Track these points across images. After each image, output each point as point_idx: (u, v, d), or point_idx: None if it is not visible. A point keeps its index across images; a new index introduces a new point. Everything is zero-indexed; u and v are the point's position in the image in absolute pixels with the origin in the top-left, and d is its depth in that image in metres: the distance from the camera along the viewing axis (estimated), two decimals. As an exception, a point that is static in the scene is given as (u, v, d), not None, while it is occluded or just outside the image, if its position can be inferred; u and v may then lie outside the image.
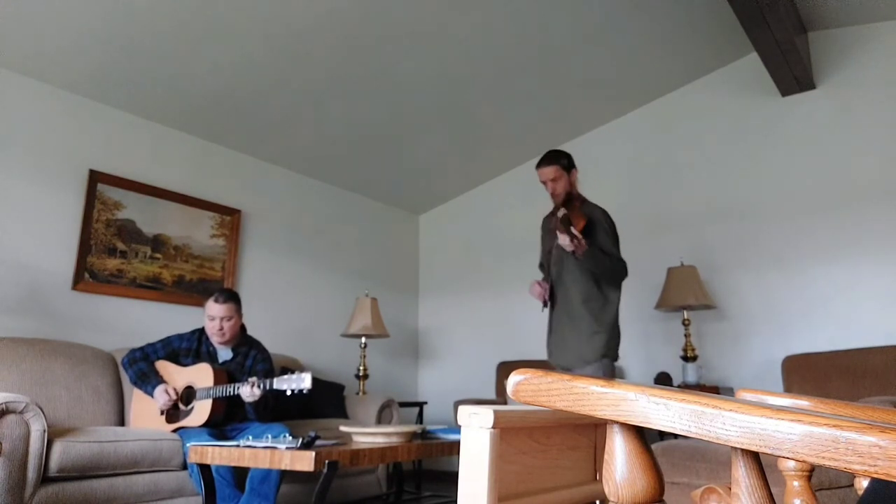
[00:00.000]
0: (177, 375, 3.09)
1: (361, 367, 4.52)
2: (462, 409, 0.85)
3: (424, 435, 2.82)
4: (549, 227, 3.13)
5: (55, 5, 2.95)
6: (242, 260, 4.33)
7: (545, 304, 3.04)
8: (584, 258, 2.80)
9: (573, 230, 2.73)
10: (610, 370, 2.87)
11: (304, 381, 2.70)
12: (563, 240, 2.74)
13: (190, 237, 4.02)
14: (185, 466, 2.82)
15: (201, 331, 3.22)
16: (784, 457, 0.51)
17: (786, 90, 4.09)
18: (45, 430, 2.39)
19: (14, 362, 2.88)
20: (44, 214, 3.39)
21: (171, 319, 3.82)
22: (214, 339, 3.16)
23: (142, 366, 3.07)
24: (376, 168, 4.97)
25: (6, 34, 3.08)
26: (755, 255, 4.12)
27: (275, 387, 2.78)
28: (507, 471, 0.89)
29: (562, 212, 2.89)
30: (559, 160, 3.01)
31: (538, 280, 3.06)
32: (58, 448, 2.43)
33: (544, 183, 3.04)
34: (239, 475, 2.81)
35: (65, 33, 3.13)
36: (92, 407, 3.04)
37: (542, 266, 3.31)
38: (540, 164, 3.04)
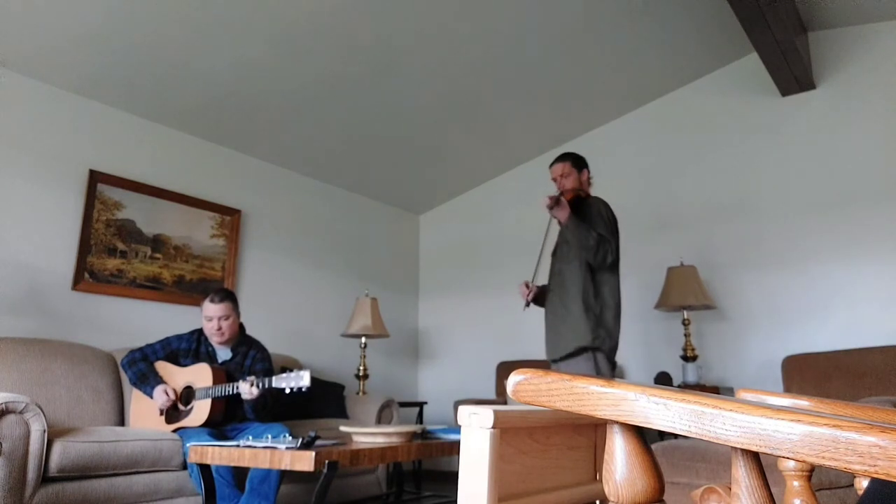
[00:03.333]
0: (176, 376, 3.09)
1: (361, 367, 4.52)
2: (462, 409, 0.85)
3: (424, 435, 2.82)
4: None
5: (55, 5, 2.95)
6: (242, 260, 4.33)
7: (526, 305, 3.09)
8: (568, 227, 2.86)
9: (560, 195, 2.87)
10: (595, 364, 2.81)
11: (302, 379, 2.70)
12: (546, 201, 2.85)
13: (190, 237, 4.02)
14: (185, 466, 2.82)
15: (200, 331, 3.22)
16: (784, 457, 0.51)
17: (786, 90, 4.09)
18: (45, 430, 2.39)
19: (14, 362, 2.88)
20: (44, 214, 3.39)
21: (171, 319, 3.82)
22: (214, 340, 3.16)
23: (141, 367, 3.07)
24: (376, 168, 4.97)
25: (6, 34, 3.08)
26: (755, 255, 4.12)
27: (273, 385, 2.78)
28: (507, 471, 0.89)
29: (558, 194, 2.98)
30: (569, 158, 3.11)
31: (526, 281, 3.10)
32: (58, 448, 2.43)
33: (555, 180, 3.10)
34: (239, 475, 2.81)
35: (65, 33, 3.13)
36: (92, 407, 3.04)
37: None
38: (553, 163, 3.15)
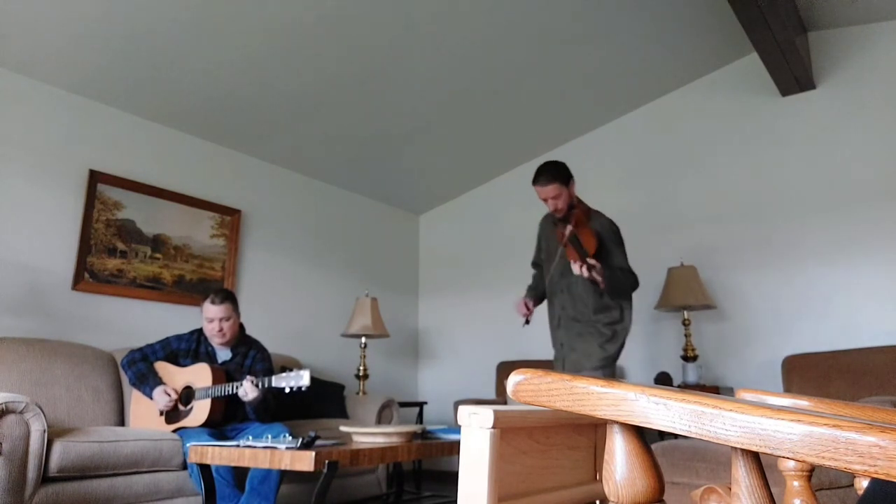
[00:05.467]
0: (176, 376, 3.09)
1: (361, 367, 4.52)
2: (462, 409, 0.85)
3: (424, 435, 2.82)
4: (552, 231, 3.09)
5: (55, 5, 2.95)
6: (242, 260, 4.33)
7: (527, 322, 3.06)
8: (605, 284, 2.80)
9: (589, 260, 2.69)
10: (611, 374, 2.90)
11: (302, 379, 2.70)
12: (579, 270, 2.68)
13: (190, 237, 4.02)
14: (185, 466, 2.82)
15: (200, 331, 3.22)
16: (784, 457, 0.51)
17: (786, 90, 4.09)
18: (45, 430, 2.39)
19: (14, 362, 2.88)
20: (44, 214, 3.38)
21: (172, 319, 3.82)
22: (215, 341, 3.15)
23: (141, 367, 3.07)
24: (376, 168, 4.97)
25: (6, 34, 3.08)
26: (755, 255, 4.12)
27: (273, 384, 2.78)
28: (507, 471, 0.89)
29: (569, 230, 2.80)
30: (558, 177, 2.87)
31: (525, 299, 3.09)
32: (58, 448, 2.43)
33: (544, 200, 2.91)
34: (239, 475, 2.81)
35: (65, 33, 3.13)
36: (92, 407, 3.04)
37: (535, 265, 3.31)
38: (537, 181, 2.89)
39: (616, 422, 0.64)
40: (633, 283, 2.93)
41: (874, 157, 3.82)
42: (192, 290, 3.96)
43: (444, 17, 3.50)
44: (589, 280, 2.76)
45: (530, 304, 3.07)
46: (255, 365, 3.20)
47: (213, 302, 3.10)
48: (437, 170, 5.20)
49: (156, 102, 3.76)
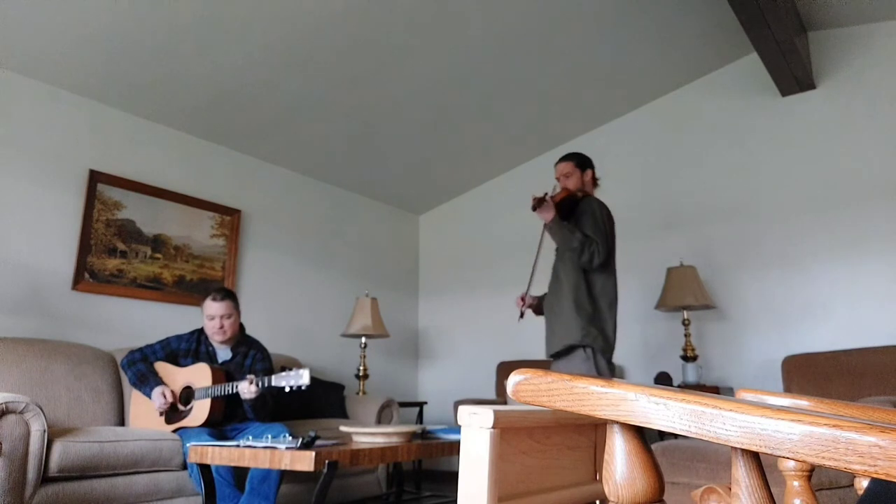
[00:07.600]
0: (175, 376, 3.09)
1: (361, 367, 4.52)
2: (462, 409, 0.85)
3: (424, 435, 2.82)
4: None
5: (56, 6, 2.95)
6: (242, 260, 4.33)
7: (521, 316, 3.10)
8: (551, 227, 2.87)
9: (545, 196, 2.88)
10: (595, 363, 2.80)
11: (302, 378, 2.70)
12: (533, 203, 2.87)
13: (190, 237, 4.02)
14: (185, 466, 2.82)
15: (200, 331, 3.22)
16: (784, 457, 0.51)
17: (786, 90, 4.09)
18: (45, 430, 2.39)
19: (14, 362, 2.88)
20: (44, 214, 3.38)
21: (172, 319, 3.82)
22: (216, 339, 3.16)
23: (140, 367, 3.07)
24: (376, 168, 4.97)
25: (7, 34, 3.08)
26: (755, 255, 4.12)
27: (273, 384, 2.78)
28: (507, 471, 0.89)
29: (553, 194, 3.01)
30: (574, 157, 3.15)
31: (522, 294, 3.13)
32: (58, 448, 2.43)
33: (558, 179, 3.15)
34: (239, 475, 2.81)
35: (65, 34, 3.13)
36: (92, 407, 3.04)
37: None
38: (557, 161, 3.19)
39: (616, 422, 0.64)
40: (586, 246, 2.81)
41: (874, 156, 3.82)
42: (193, 291, 3.96)
43: (444, 18, 3.50)
44: (535, 211, 2.87)
45: (526, 298, 3.11)
46: (255, 365, 3.20)
47: (214, 299, 3.11)
48: (437, 170, 5.20)
49: (156, 102, 3.76)
